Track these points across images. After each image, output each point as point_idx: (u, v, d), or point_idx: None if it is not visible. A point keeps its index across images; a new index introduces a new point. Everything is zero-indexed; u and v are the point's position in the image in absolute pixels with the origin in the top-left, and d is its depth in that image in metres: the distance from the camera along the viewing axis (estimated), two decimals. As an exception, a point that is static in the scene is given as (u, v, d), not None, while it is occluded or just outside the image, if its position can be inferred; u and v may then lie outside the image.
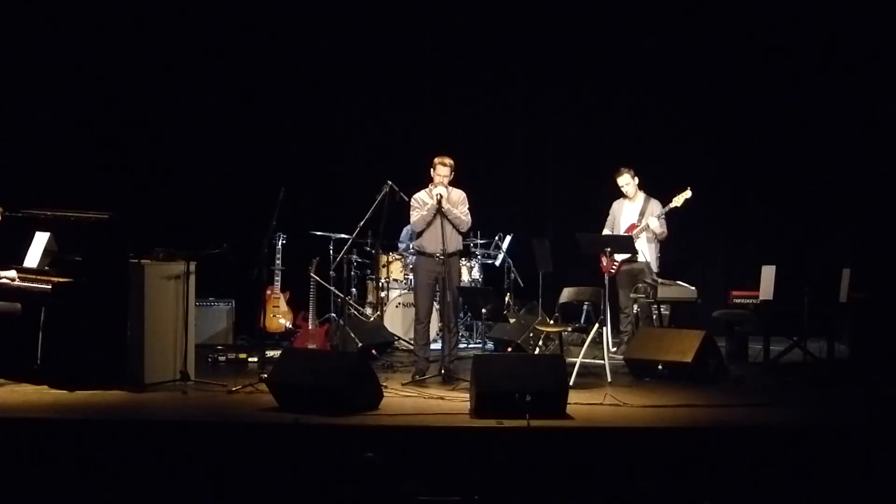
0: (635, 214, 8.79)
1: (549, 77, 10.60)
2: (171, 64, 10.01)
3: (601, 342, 7.79)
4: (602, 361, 7.62)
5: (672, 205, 8.57)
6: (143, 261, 7.23)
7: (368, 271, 9.74)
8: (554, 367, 6.47)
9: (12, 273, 7.03)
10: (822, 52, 10.07)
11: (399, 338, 9.14)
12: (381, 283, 9.39)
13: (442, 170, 7.53)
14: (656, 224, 8.61)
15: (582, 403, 6.51)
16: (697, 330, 7.70)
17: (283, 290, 9.42)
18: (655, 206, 8.70)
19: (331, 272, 8.99)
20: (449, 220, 7.52)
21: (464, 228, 7.72)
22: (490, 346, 8.81)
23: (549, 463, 5.52)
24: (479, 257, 9.77)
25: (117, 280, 7.08)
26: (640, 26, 10.35)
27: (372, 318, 9.28)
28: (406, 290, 9.29)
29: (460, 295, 8.02)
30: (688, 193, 8.54)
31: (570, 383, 6.80)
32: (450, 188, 7.62)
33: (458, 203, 7.63)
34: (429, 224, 7.56)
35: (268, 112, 10.21)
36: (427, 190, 7.65)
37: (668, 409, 6.51)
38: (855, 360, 8.39)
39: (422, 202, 7.62)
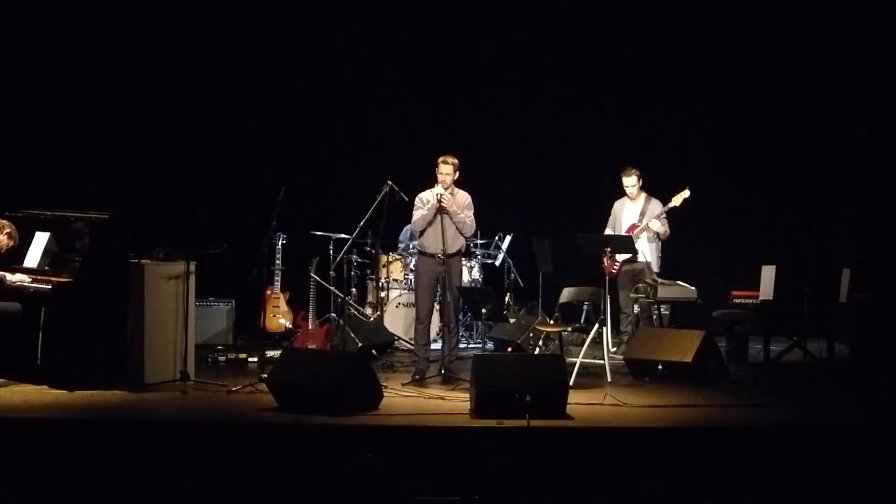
0: (636, 214, 8.78)
1: (550, 76, 10.60)
2: (172, 64, 10.01)
3: (601, 342, 7.79)
4: (602, 361, 7.62)
5: (671, 204, 8.55)
6: (143, 261, 7.23)
7: (368, 271, 9.75)
8: (554, 367, 6.47)
9: (23, 277, 7.04)
10: (823, 52, 10.07)
11: (399, 338, 9.14)
12: (381, 283, 9.38)
13: (444, 168, 7.52)
14: (658, 225, 8.60)
15: (582, 403, 6.51)
16: (697, 330, 7.70)
17: (283, 290, 9.42)
18: (656, 206, 8.69)
19: (331, 272, 8.98)
20: (451, 220, 7.51)
21: (468, 233, 7.70)
22: (490, 346, 8.80)
23: (549, 463, 5.52)
24: (479, 257, 9.77)
25: (117, 280, 7.08)
26: (640, 27, 10.34)
27: (372, 318, 9.28)
28: (406, 290, 9.30)
29: (460, 295, 8.02)
30: (686, 193, 8.51)
31: (570, 383, 6.79)
32: (456, 190, 7.62)
33: (464, 207, 7.60)
34: (430, 224, 7.55)
35: (268, 111, 10.21)
36: (431, 189, 7.65)
37: (668, 409, 6.51)
38: (855, 360, 8.39)
39: (425, 201, 7.61)
